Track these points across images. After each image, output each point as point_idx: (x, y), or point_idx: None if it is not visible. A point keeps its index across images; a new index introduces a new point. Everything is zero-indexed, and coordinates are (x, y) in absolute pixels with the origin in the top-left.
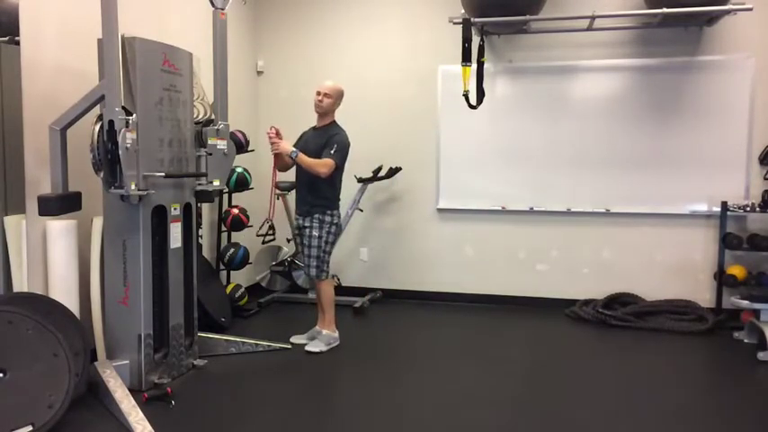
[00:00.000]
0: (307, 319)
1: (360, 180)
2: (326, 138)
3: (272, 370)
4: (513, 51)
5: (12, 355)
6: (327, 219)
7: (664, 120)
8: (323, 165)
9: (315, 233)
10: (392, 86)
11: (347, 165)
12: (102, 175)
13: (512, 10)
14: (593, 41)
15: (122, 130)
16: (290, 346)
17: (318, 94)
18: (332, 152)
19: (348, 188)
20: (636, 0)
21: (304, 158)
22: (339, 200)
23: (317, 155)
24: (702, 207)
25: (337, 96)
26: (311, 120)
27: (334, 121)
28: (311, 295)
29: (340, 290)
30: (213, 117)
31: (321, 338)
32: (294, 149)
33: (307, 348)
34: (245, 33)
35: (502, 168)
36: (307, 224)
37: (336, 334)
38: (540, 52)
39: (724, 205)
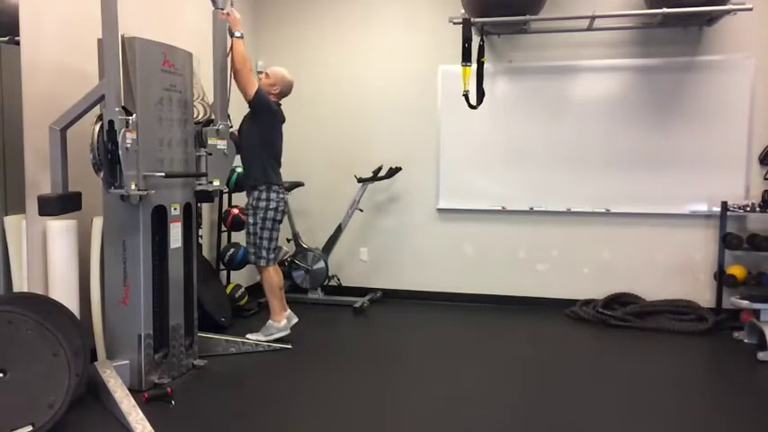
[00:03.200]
0: (306, 318)
1: (360, 180)
2: None
3: (272, 370)
4: (513, 51)
5: (12, 355)
6: (262, 204)
7: (664, 120)
8: (246, 75)
9: (250, 220)
10: (392, 86)
11: (348, 164)
12: (102, 175)
13: (512, 10)
14: (593, 41)
15: (122, 130)
16: (290, 346)
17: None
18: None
19: (348, 188)
20: (636, 0)
21: (238, 45)
22: (275, 176)
23: (246, 126)
24: (702, 207)
25: (276, 80)
26: (312, 118)
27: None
28: (311, 295)
29: (340, 290)
30: (213, 117)
31: (263, 329)
32: (240, 32)
33: (247, 336)
34: (245, 33)
35: (502, 168)
36: (247, 202)
37: (283, 324)
38: (540, 52)
39: (724, 205)
